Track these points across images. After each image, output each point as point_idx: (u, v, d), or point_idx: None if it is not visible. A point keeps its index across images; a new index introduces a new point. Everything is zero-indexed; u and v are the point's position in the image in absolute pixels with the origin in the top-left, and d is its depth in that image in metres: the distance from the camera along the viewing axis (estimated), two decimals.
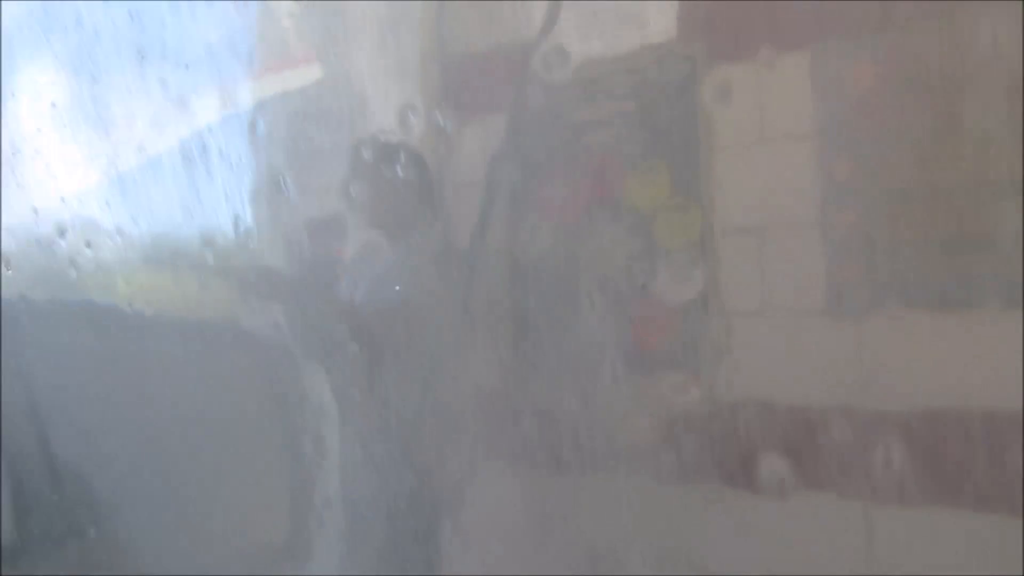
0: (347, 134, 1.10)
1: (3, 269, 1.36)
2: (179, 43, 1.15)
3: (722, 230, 0.89)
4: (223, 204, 1.14)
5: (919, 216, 0.79)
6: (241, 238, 1.11)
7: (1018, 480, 0.71)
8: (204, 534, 1.24)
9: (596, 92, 0.97)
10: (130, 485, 1.32)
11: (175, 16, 1.16)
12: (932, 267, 0.77)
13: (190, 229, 1.16)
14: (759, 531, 0.86)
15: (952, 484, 0.75)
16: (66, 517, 1.43)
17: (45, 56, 1.39)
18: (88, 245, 1.25)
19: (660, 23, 0.92)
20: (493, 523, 1.03)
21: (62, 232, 1.30)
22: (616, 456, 0.95)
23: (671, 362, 0.91)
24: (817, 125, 0.83)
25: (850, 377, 0.80)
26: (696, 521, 0.91)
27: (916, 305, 0.78)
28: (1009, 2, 0.71)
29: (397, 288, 1.00)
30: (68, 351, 1.33)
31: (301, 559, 1.08)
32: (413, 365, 0.99)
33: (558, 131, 0.99)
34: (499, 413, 1.03)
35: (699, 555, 0.91)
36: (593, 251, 0.97)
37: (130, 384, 1.25)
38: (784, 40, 0.85)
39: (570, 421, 0.98)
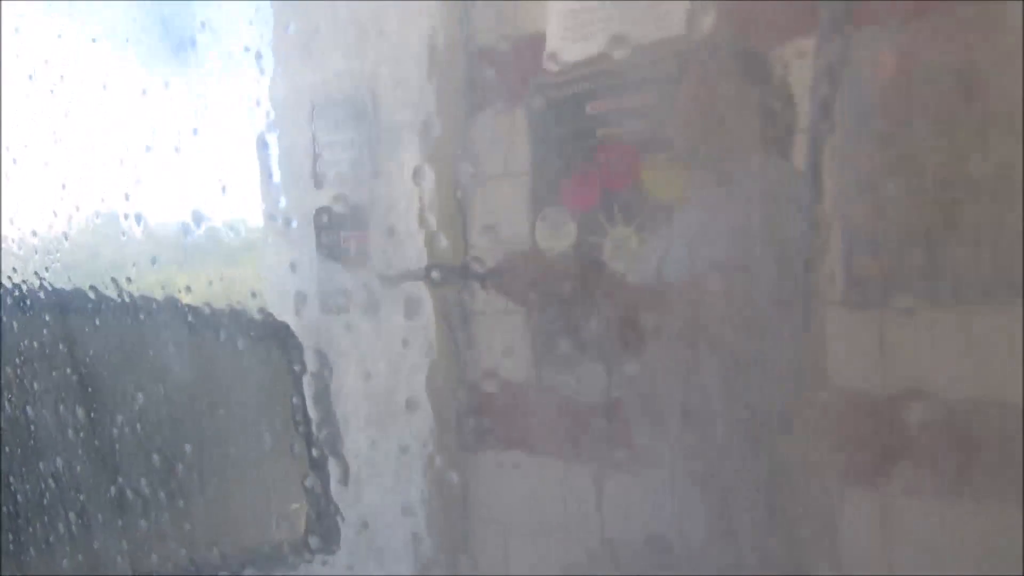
0: (366, 127, 1.10)
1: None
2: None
3: None
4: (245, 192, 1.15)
5: (937, 209, 0.79)
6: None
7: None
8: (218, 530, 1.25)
9: (618, 83, 0.98)
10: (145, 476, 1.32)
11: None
12: (951, 260, 0.78)
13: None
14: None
15: (971, 477, 0.76)
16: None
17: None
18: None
19: (682, 12, 0.93)
20: (523, 518, 1.04)
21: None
22: (633, 449, 0.96)
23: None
24: (838, 116, 0.83)
25: (866, 369, 0.80)
26: (709, 516, 0.92)
27: (933, 299, 0.79)
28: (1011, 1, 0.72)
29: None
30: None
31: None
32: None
33: (580, 122, 1.00)
34: (525, 406, 1.04)
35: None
36: (615, 241, 0.98)
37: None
38: (808, 30, 0.86)
39: (588, 414, 0.99)
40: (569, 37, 1.01)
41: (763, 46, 0.91)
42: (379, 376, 1.10)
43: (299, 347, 1.14)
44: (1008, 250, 0.75)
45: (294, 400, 1.14)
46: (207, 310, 1.21)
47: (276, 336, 1.16)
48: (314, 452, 1.11)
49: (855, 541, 0.81)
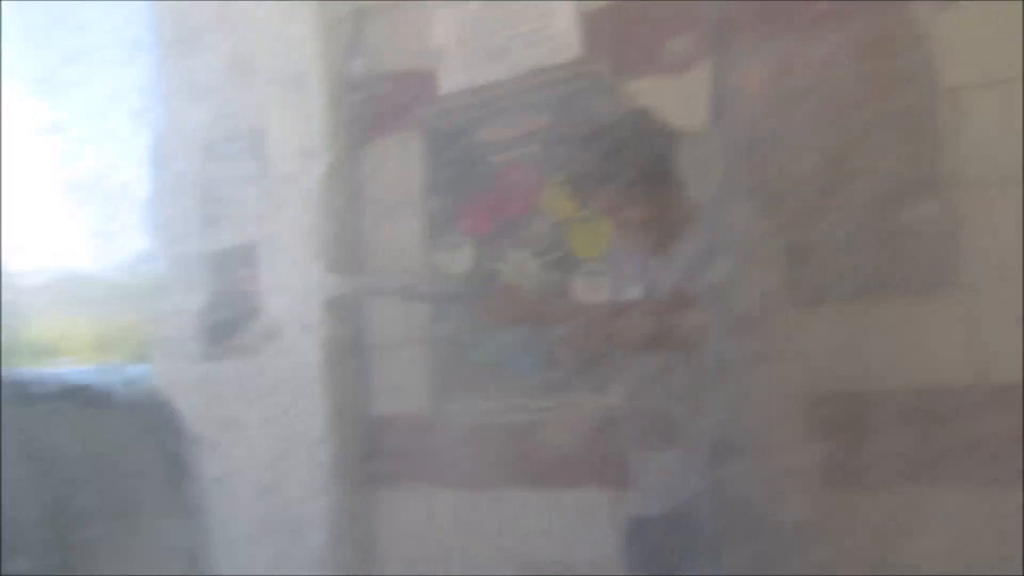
0: (253, 165, 1.09)
1: None
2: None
3: None
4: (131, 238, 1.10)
5: (834, 218, 0.82)
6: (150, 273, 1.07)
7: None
8: None
9: (509, 109, 0.99)
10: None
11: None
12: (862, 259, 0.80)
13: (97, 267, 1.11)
14: None
15: (874, 465, 0.77)
16: None
17: None
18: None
19: (567, 40, 0.95)
20: (429, 550, 1.00)
21: None
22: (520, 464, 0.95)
23: (591, 369, 0.91)
24: (722, 131, 0.85)
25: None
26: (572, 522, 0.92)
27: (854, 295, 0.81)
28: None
29: None
30: None
31: None
32: None
33: (474, 148, 1.01)
34: (425, 431, 1.01)
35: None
36: (513, 262, 0.98)
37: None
38: (686, 52, 0.88)
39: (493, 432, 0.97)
40: (461, 64, 1.02)
41: (644, 70, 0.93)
42: (275, 417, 1.06)
43: (175, 412, 1.06)
44: (916, 246, 0.78)
45: (173, 461, 1.07)
46: (80, 373, 1.12)
47: (158, 402, 1.09)
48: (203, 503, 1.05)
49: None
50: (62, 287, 1.07)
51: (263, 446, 1.02)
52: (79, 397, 1.07)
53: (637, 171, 0.81)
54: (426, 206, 1.03)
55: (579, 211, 0.96)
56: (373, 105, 1.05)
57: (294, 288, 1.02)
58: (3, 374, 1.13)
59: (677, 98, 0.87)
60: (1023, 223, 0.74)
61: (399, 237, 1.04)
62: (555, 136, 0.97)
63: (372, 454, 1.03)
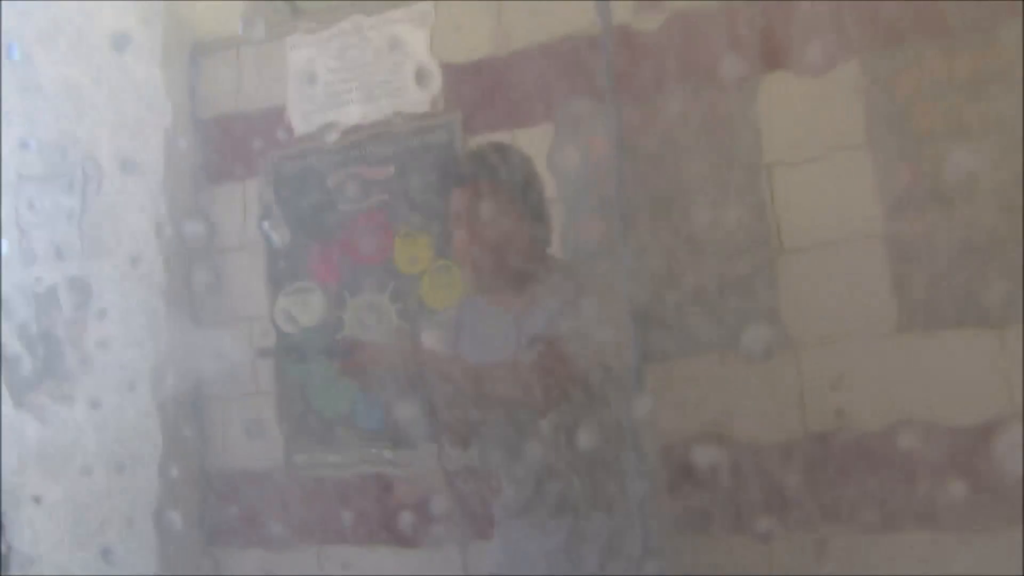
0: (80, 200, 1.03)
1: None
2: None
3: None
4: None
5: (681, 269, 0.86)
6: None
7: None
8: None
9: (360, 157, 0.98)
10: None
11: None
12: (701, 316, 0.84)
13: None
14: None
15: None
16: None
17: None
18: None
19: (419, 94, 0.96)
20: None
21: None
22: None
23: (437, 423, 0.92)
24: (563, 192, 0.88)
25: None
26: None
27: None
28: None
29: None
30: None
31: None
32: None
33: (324, 195, 0.99)
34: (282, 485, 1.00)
35: None
36: (365, 311, 0.98)
37: None
38: (532, 115, 0.91)
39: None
40: (308, 110, 1.00)
41: (498, 123, 0.94)
42: (105, 476, 1.00)
43: None
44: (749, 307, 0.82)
45: None
46: None
47: None
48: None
49: None
50: None
51: (88, 512, 0.96)
52: None
53: (490, 220, 0.83)
54: (275, 251, 1.01)
55: (431, 260, 0.97)
56: (220, 145, 1.02)
57: (127, 335, 0.98)
58: None
59: (531, 152, 0.90)
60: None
61: (246, 281, 1.02)
62: (407, 184, 0.97)
63: (215, 512, 1.00)
